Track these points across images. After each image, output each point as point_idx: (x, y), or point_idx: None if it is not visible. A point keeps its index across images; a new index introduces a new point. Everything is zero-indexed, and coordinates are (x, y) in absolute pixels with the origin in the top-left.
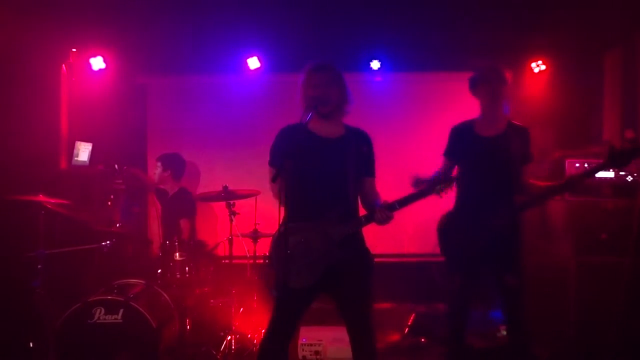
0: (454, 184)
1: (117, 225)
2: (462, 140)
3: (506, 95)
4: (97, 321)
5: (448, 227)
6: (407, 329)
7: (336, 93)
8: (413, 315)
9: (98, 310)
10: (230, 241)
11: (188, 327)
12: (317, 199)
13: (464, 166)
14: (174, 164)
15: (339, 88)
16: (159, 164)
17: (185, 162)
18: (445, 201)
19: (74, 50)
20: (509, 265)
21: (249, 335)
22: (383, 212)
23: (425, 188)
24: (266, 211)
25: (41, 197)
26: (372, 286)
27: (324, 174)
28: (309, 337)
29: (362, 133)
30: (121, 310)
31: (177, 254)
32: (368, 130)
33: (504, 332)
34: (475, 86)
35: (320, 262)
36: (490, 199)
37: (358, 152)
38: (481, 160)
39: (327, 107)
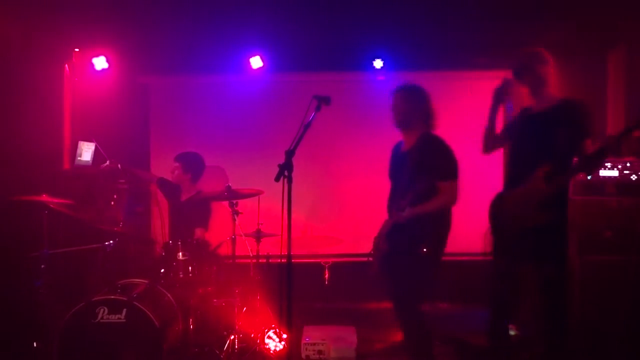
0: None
1: (120, 225)
2: (518, 118)
3: (550, 75)
4: (101, 321)
5: (496, 206)
6: None
7: (402, 108)
8: None
9: (101, 310)
10: (233, 241)
11: (191, 326)
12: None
13: (514, 144)
14: (195, 167)
15: (405, 103)
16: (178, 164)
17: (204, 164)
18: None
19: (76, 50)
20: (550, 254)
21: (252, 335)
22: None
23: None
24: (269, 211)
25: (44, 197)
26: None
27: (397, 182)
28: (312, 336)
29: (427, 142)
30: (124, 310)
31: (180, 253)
32: (370, 130)
33: (511, 332)
34: (519, 74)
35: None
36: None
37: (420, 161)
38: (524, 135)
39: (397, 121)
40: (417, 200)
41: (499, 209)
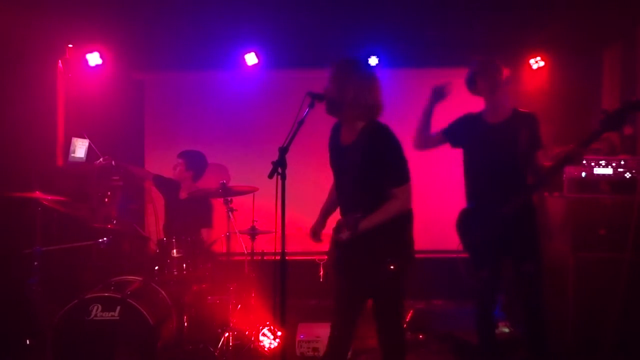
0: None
1: (114, 222)
2: (468, 126)
3: (504, 83)
4: (94, 318)
5: (465, 223)
6: (405, 326)
7: (335, 91)
8: (411, 311)
9: (95, 307)
10: (228, 238)
11: (185, 324)
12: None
13: (471, 155)
14: (198, 165)
15: (339, 85)
16: (181, 161)
17: (207, 164)
18: (441, 199)
19: (70, 46)
20: (526, 251)
21: (247, 332)
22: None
23: None
24: (264, 208)
25: (38, 194)
26: None
27: (341, 179)
28: (307, 333)
29: (373, 139)
30: (118, 307)
31: (175, 250)
32: None
33: (504, 329)
34: (473, 82)
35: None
36: (499, 186)
37: (367, 164)
38: (487, 146)
39: (328, 106)
40: (364, 212)
41: (469, 225)
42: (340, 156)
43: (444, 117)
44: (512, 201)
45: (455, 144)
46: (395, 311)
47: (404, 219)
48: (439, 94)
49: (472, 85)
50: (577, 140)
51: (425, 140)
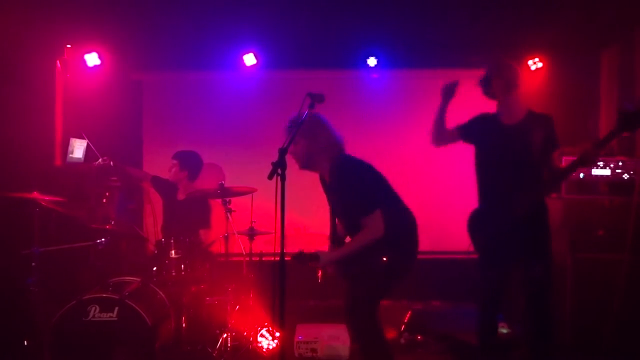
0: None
1: (112, 222)
2: (483, 125)
3: (518, 84)
4: (92, 319)
5: (476, 224)
6: (403, 327)
7: (299, 146)
8: (409, 312)
9: (93, 308)
10: (226, 238)
11: (184, 324)
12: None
13: (485, 155)
14: (192, 165)
15: (311, 135)
16: (175, 162)
17: (202, 163)
18: (441, 200)
19: (68, 46)
20: (536, 253)
21: (245, 333)
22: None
23: None
24: (262, 208)
25: (36, 194)
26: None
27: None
28: (305, 334)
29: (337, 178)
30: (116, 308)
31: (173, 251)
32: (364, 128)
33: (503, 330)
34: (487, 84)
35: None
36: (513, 187)
37: (339, 200)
38: (501, 147)
39: (303, 161)
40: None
41: (480, 225)
42: (328, 195)
43: (449, 119)
44: (523, 202)
45: (467, 139)
46: (367, 309)
47: (401, 216)
48: (449, 92)
49: (487, 86)
50: (593, 140)
51: (441, 137)
